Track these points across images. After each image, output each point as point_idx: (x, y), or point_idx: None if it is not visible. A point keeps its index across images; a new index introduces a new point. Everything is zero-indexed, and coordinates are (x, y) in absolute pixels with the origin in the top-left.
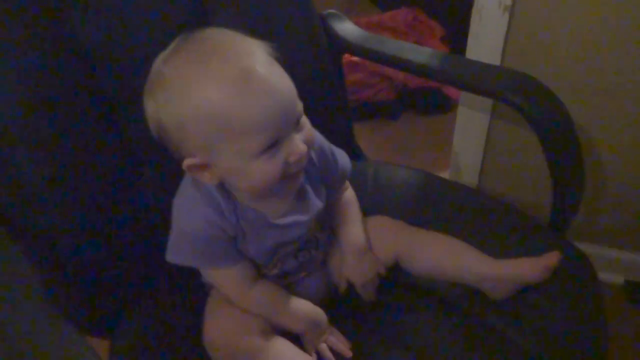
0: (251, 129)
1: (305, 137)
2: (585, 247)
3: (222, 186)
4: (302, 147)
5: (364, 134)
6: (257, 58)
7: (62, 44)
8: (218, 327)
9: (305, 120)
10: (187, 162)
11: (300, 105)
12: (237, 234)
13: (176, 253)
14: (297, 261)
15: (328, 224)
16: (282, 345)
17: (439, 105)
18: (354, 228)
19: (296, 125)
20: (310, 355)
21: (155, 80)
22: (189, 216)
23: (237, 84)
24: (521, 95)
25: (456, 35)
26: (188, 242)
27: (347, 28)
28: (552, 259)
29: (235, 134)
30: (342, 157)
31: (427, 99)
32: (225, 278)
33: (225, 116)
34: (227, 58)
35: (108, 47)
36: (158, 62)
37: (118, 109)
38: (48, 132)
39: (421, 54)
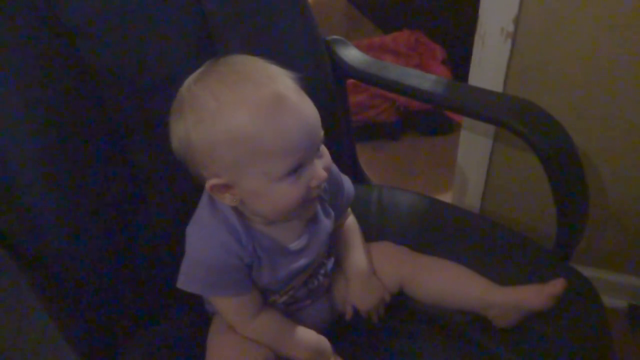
0: (279, 152)
1: (326, 164)
2: (588, 272)
3: (238, 212)
4: (323, 173)
5: (366, 154)
6: (287, 84)
7: (72, 72)
8: (221, 355)
9: (324, 148)
10: (211, 182)
11: (322, 133)
12: (252, 262)
13: (189, 281)
14: (307, 288)
15: (334, 249)
16: None
17: (440, 127)
18: (358, 254)
19: (317, 151)
20: None
21: (187, 101)
22: (205, 244)
23: (270, 108)
24: (524, 123)
25: (458, 58)
26: (201, 271)
27: (351, 53)
28: (557, 286)
29: (264, 156)
30: (347, 182)
31: (429, 121)
32: (231, 307)
33: (257, 139)
34: (260, 82)
35: (117, 74)
36: (188, 84)
37: (126, 135)
38: (56, 159)
39: (425, 80)
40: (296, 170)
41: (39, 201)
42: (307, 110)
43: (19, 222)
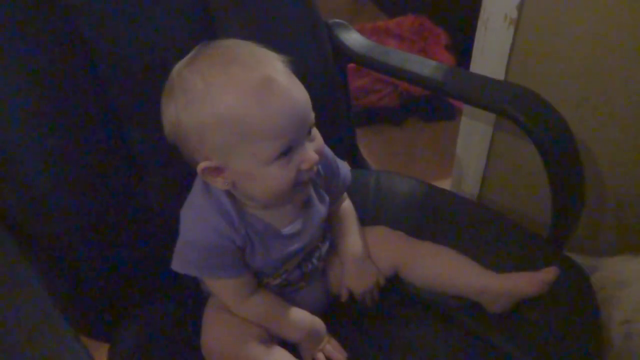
0: (268, 134)
1: (317, 147)
2: (580, 260)
3: (232, 196)
4: (314, 156)
5: (367, 139)
6: (277, 68)
7: (71, 52)
8: (216, 334)
9: (316, 131)
10: (202, 165)
11: (313, 116)
12: (245, 245)
13: (182, 263)
14: (301, 271)
15: (328, 233)
16: (279, 354)
17: (442, 113)
18: (353, 238)
19: (308, 135)
20: None
21: (177, 84)
22: (198, 226)
23: (259, 90)
24: (522, 111)
25: (462, 43)
26: (195, 253)
27: (352, 37)
28: (550, 274)
29: (253, 138)
30: (344, 168)
31: (431, 107)
32: (225, 287)
33: (245, 121)
34: (249, 66)
35: (116, 55)
36: (179, 67)
37: (124, 118)
38: (54, 140)
39: (425, 66)
40: (286, 153)
41: (36, 180)
42: (296, 93)
43: (17, 201)
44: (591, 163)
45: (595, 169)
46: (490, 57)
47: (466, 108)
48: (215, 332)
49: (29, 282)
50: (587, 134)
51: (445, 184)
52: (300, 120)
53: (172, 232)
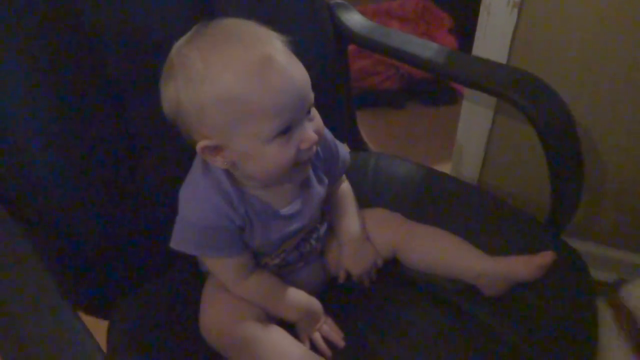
0: (268, 112)
1: (316, 127)
2: (581, 245)
3: (231, 176)
4: (313, 135)
5: (367, 122)
6: (276, 46)
7: (71, 30)
8: (214, 313)
9: (315, 111)
10: (201, 144)
11: (312, 95)
12: (244, 225)
13: (181, 241)
14: (299, 252)
15: (327, 215)
16: (276, 333)
17: (444, 97)
18: (351, 219)
19: (308, 114)
20: (304, 343)
21: (176, 62)
22: (197, 205)
23: (258, 69)
24: (524, 95)
25: (465, 27)
26: (194, 232)
27: (353, 18)
28: (546, 257)
29: (252, 117)
30: (343, 150)
31: (432, 90)
32: (224, 267)
33: (245, 99)
34: (248, 44)
35: (117, 34)
36: (179, 45)
37: (123, 95)
38: (54, 116)
39: (427, 49)
40: (285, 132)
41: (35, 157)
42: (295, 72)
43: (15, 177)
44: (591, 148)
45: (596, 154)
46: (492, 41)
47: (467, 91)
48: (213, 311)
49: (28, 259)
50: (588, 119)
51: (445, 168)
52: (299, 99)
53: (171, 210)
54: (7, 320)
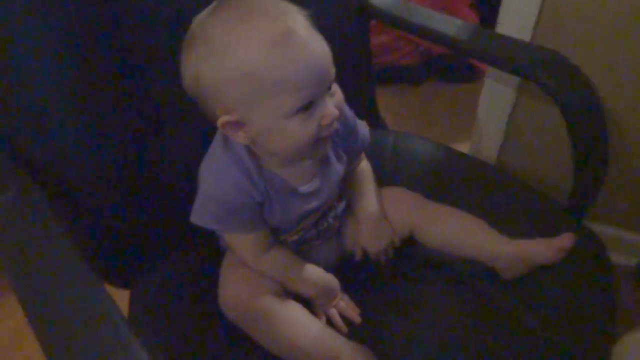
0: (289, 87)
1: (337, 103)
2: (600, 229)
3: (251, 152)
4: (334, 111)
5: (385, 99)
6: (298, 20)
7: (92, 4)
8: (232, 287)
9: (336, 87)
10: (222, 119)
11: (333, 70)
12: (263, 201)
13: (201, 216)
14: (317, 230)
15: (345, 193)
16: (293, 309)
17: (464, 74)
18: (370, 198)
19: (329, 90)
20: (320, 319)
21: (198, 35)
22: (218, 181)
23: (279, 43)
24: (549, 75)
25: (485, 2)
26: (214, 206)
27: None
28: (565, 241)
29: (274, 91)
30: (362, 127)
31: (452, 67)
32: (243, 242)
33: (266, 73)
34: (270, 18)
35: (137, 5)
36: (201, 18)
37: (143, 68)
38: (76, 86)
39: (451, 25)
40: (307, 107)
41: (61, 131)
42: (317, 46)
43: (41, 151)
44: (617, 130)
45: (621, 137)
46: (517, 18)
47: (490, 70)
48: (232, 285)
49: (54, 230)
50: (614, 100)
51: (464, 147)
52: (321, 74)
53: (191, 183)
54: (37, 290)
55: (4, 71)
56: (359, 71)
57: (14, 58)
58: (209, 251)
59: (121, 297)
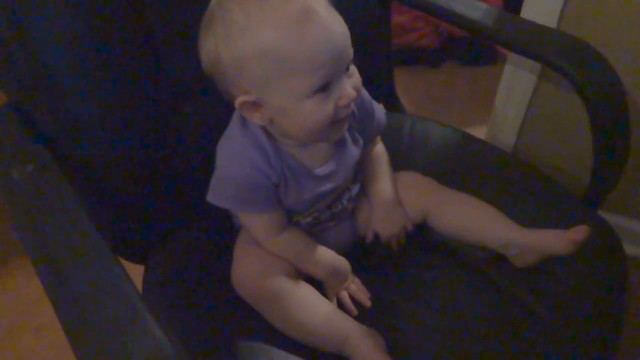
0: (306, 67)
1: (355, 84)
2: (612, 219)
3: (268, 133)
4: (351, 92)
5: (403, 80)
6: (317, 0)
7: None
8: (245, 266)
9: (354, 67)
10: (240, 100)
11: (351, 51)
12: (279, 182)
13: (217, 195)
14: (331, 212)
15: (360, 176)
16: (305, 289)
17: (483, 57)
18: (384, 182)
19: (346, 71)
20: (331, 301)
21: (216, 14)
22: (235, 161)
23: (297, 22)
24: (573, 64)
25: None
26: (230, 187)
27: None
28: (580, 232)
29: (292, 71)
30: (379, 110)
31: (472, 49)
32: (257, 222)
33: (284, 53)
34: None
35: None
36: None
37: (162, 46)
38: (95, 65)
39: (475, 9)
40: (324, 88)
41: (79, 107)
42: (335, 26)
43: (59, 127)
44: (636, 120)
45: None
46: (543, 3)
47: (511, 55)
48: (245, 264)
49: (71, 205)
50: (637, 90)
51: (481, 131)
52: (338, 54)
53: (207, 161)
54: (55, 265)
55: (24, 50)
56: (379, 53)
57: (34, 38)
58: (224, 228)
59: (136, 273)
